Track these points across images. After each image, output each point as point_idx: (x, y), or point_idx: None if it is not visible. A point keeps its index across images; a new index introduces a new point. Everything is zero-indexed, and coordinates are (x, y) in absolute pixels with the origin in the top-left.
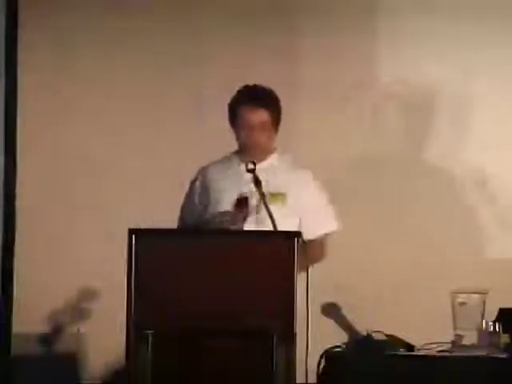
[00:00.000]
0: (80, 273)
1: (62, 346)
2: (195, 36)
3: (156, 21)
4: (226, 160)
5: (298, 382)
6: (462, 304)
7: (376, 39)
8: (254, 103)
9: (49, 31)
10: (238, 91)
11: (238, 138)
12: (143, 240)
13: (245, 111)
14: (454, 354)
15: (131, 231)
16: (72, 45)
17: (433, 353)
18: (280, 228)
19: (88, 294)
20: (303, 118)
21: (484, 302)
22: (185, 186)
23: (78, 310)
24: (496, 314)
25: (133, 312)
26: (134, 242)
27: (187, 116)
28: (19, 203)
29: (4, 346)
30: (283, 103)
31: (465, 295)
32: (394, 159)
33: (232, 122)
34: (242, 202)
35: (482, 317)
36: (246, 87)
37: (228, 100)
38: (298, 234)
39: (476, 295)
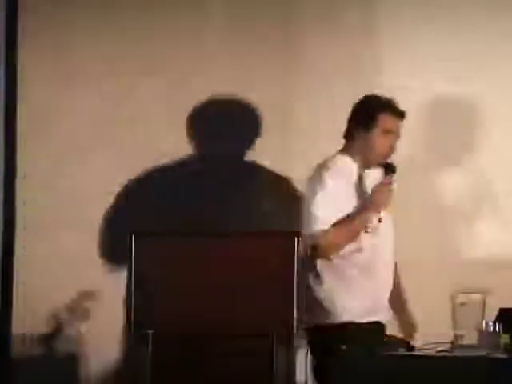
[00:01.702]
0: (80, 273)
1: (62, 346)
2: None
3: (156, 18)
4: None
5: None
6: (462, 304)
7: (378, 41)
8: (396, 112)
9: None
10: (374, 97)
11: (367, 141)
12: (143, 241)
13: (387, 118)
14: (453, 354)
15: (131, 233)
16: (72, 35)
17: (433, 353)
18: None
19: (88, 294)
20: (304, 119)
21: (484, 302)
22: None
23: (78, 310)
24: (496, 314)
25: (133, 312)
26: (133, 242)
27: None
28: (19, 202)
29: (4, 346)
30: (283, 103)
31: (465, 295)
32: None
33: (361, 126)
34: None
35: (482, 317)
36: (376, 96)
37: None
38: (297, 234)
39: (476, 295)
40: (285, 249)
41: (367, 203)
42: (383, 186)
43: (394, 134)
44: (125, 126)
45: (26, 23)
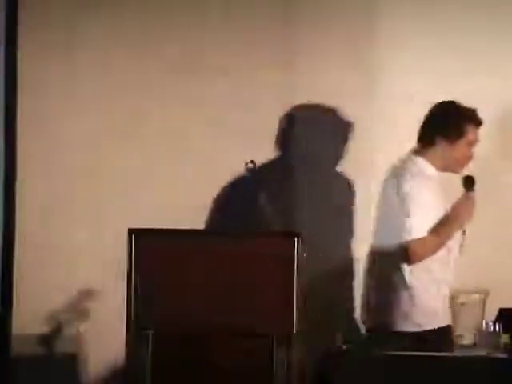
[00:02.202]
0: (80, 273)
1: (62, 346)
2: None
3: (157, 17)
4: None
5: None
6: (462, 304)
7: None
8: (478, 122)
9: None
10: (459, 108)
11: (450, 151)
12: (143, 240)
13: (472, 130)
14: (453, 354)
15: (131, 231)
16: (72, 34)
17: (433, 353)
18: None
19: (88, 294)
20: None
21: (484, 302)
22: (183, 186)
23: (78, 310)
24: (496, 314)
25: (133, 312)
26: (133, 242)
27: (187, 116)
28: (19, 202)
29: (4, 346)
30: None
31: (465, 295)
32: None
33: (445, 135)
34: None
35: (482, 317)
36: (459, 105)
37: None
38: (297, 234)
39: (476, 295)
40: (285, 249)
41: (451, 218)
42: (466, 201)
43: (475, 144)
44: (125, 124)
45: (25, 22)
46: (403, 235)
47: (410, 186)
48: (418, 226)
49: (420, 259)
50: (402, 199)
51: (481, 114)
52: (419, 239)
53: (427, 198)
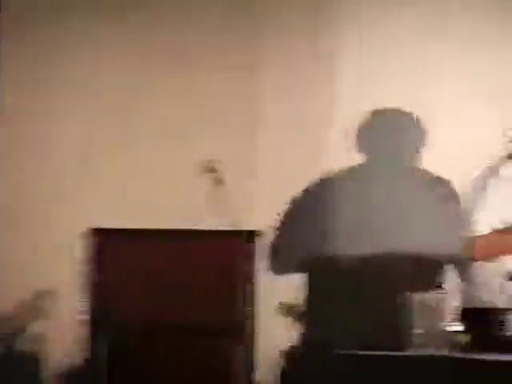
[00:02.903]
0: (39, 272)
1: (22, 345)
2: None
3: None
4: None
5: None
6: (422, 303)
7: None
8: None
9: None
10: None
11: None
12: (104, 239)
13: None
14: (413, 353)
15: (92, 231)
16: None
17: (393, 352)
18: None
19: (47, 294)
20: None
21: (445, 302)
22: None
23: (38, 309)
24: (458, 313)
25: (91, 311)
26: (95, 241)
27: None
28: None
29: None
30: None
31: (425, 294)
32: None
33: None
34: None
35: (443, 316)
36: None
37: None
38: (258, 232)
39: (437, 294)
40: (244, 248)
41: None
42: None
43: None
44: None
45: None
46: (468, 230)
47: (488, 184)
48: (482, 222)
49: (481, 257)
50: (476, 197)
51: None
52: (482, 235)
53: (502, 198)
